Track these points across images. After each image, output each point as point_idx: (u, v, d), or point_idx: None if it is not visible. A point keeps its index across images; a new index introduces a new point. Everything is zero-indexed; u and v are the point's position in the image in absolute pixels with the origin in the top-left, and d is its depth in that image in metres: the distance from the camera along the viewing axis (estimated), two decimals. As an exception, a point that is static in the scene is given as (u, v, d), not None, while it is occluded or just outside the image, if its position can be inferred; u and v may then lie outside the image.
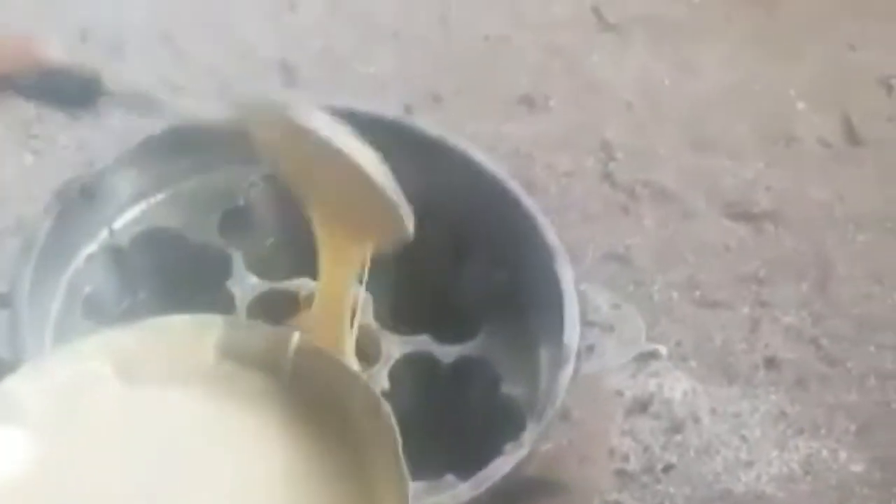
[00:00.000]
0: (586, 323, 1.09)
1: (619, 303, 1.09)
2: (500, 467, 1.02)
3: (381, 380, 1.13)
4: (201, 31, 1.73)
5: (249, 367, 0.92)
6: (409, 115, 1.58)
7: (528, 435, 1.03)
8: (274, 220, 1.24)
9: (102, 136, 1.41)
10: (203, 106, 1.03)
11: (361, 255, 1.03)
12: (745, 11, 1.83)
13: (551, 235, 1.13)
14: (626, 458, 1.41)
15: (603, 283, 1.46)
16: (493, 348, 1.14)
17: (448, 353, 1.14)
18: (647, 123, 1.69)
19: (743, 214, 1.62)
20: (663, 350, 1.48)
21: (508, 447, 1.03)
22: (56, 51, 1.02)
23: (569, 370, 1.07)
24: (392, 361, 1.13)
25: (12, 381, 0.89)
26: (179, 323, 0.95)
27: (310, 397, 0.92)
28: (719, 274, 1.57)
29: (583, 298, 1.10)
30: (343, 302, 1.06)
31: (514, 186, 1.17)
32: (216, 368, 0.91)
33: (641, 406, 1.43)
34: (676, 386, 1.46)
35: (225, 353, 0.93)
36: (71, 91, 1.01)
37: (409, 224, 1.02)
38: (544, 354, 1.12)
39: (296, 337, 0.94)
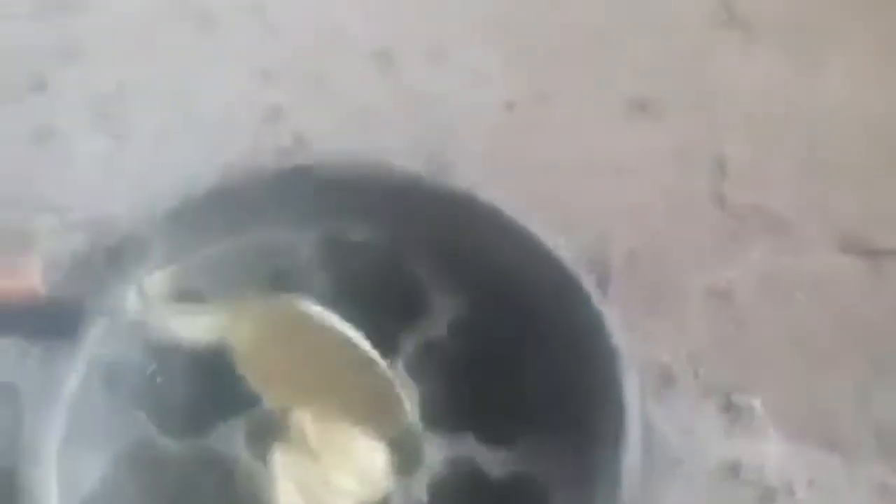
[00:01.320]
0: (648, 452, 0.91)
1: (692, 427, 0.91)
2: None
3: (419, 491, 1.00)
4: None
5: None
6: (510, 111, 1.50)
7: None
8: (322, 288, 1.07)
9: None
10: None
11: None
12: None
13: (617, 337, 0.96)
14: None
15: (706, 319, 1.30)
16: (544, 461, 0.99)
17: (494, 461, 0.97)
18: (766, 139, 1.45)
19: (863, 249, 1.38)
20: (758, 405, 1.28)
21: None
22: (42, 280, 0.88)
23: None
24: (433, 471, 0.96)
25: None
26: None
27: None
28: (830, 320, 1.37)
29: (647, 424, 0.92)
30: None
31: (586, 279, 1.00)
32: None
33: (731, 470, 1.25)
34: (771, 449, 1.27)
35: None
36: (53, 324, 0.87)
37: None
38: (599, 481, 0.93)
39: None
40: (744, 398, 1.32)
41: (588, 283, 1.03)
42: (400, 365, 1.04)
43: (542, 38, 1.57)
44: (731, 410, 1.32)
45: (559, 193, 1.46)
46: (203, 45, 1.51)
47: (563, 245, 1.05)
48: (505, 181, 1.44)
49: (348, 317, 1.09)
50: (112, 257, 1.01)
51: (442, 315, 1.05)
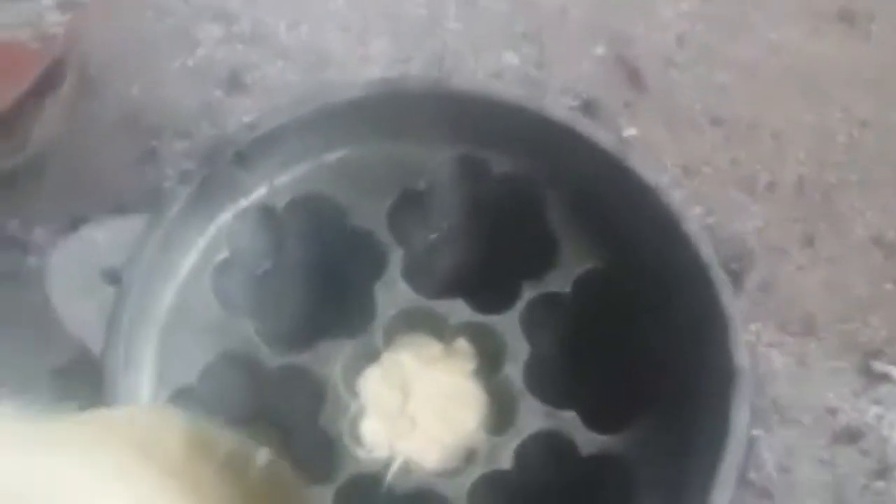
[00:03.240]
0: (742, 482, 0.85)
1: (790, 466, 0.85)
2: None
3: (505, 455, 0.95)
4: None
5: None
6: None
7: None
8: (451, 213, 1.01)
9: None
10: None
11: None
12: None
13: (740, 355, 0.88)
14: (812, 495, 1.18)
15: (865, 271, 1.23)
16: (641, 454, 0.93)
17: (591, 442, 0.91)
18: None
19: None
20: (897, 374, 1.20)
21: None
22: None
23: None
24: (523, 437, 0.91)
25: None
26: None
27: None
28: None
29: (752, 447, 0.86)
30: None
31: (720, 275, 0.93)
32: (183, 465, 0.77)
33: (851, 436, 1.22)
34: (901, 423, 1.18)
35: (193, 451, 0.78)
36: None
37: None
38: (689, 490, 0.88)
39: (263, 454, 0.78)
40: (884, 364, 1.22)
41: (722, 279, 0.92)
42: (516, 316, 0.95)
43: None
44: (868, 374, 1.23)
45: (738, 96, 1.34)
46: None
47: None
48: (686, 73, 1.33)
49: (471, 250, 1.03)
50: (241, 157, 0.94)
51: (569, 270, 0.97)
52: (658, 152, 1.28)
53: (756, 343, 1.24)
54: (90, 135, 1.27)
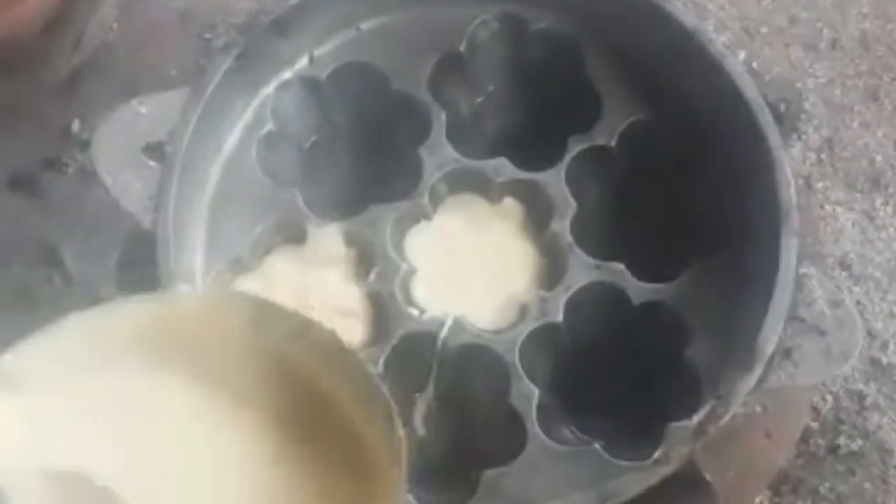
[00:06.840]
0: (792, 318, 0.86)
1: (841, 300, 0.85)
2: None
3: (555, 308, 0.96)
4: None
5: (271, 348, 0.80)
6: None
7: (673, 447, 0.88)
8: (492, 74, 1.02)
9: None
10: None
11: None
12: None
13: (787, 193, 0.88)
14: (884, 347, 1.18)
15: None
16: (691, 301, 0.94)
17: (641, 292, 0.93)
18: None
19: None
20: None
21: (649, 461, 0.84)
22: None
23: (752, 378, 0.85)
24: (573, 290, 0.93)
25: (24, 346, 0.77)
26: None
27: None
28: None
29: (800, 285, 0.86)
30: None
31: (766, 119, 0.94)
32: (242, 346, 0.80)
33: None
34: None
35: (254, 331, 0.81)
36: None
37: None
38: (740, 333, 0.89)
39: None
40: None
41: (766, 117, 0.93)
42: (561, 172, 0.97)
43: None
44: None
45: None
46: None
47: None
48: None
49: (513, 109, 1.04)
50: (279, 26, 0.96)
51: (613, 124, 0.98)
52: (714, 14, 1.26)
53: (823, 202, 1.23)
54: (145, 33, 1.29)
